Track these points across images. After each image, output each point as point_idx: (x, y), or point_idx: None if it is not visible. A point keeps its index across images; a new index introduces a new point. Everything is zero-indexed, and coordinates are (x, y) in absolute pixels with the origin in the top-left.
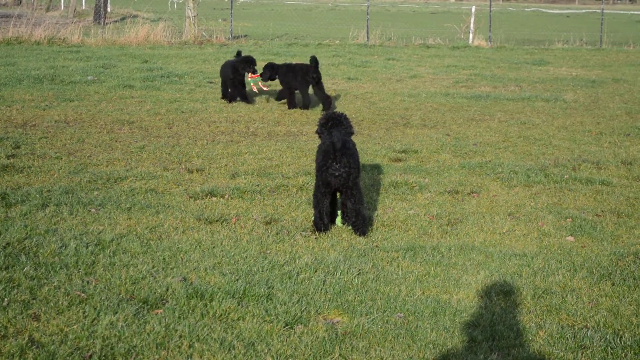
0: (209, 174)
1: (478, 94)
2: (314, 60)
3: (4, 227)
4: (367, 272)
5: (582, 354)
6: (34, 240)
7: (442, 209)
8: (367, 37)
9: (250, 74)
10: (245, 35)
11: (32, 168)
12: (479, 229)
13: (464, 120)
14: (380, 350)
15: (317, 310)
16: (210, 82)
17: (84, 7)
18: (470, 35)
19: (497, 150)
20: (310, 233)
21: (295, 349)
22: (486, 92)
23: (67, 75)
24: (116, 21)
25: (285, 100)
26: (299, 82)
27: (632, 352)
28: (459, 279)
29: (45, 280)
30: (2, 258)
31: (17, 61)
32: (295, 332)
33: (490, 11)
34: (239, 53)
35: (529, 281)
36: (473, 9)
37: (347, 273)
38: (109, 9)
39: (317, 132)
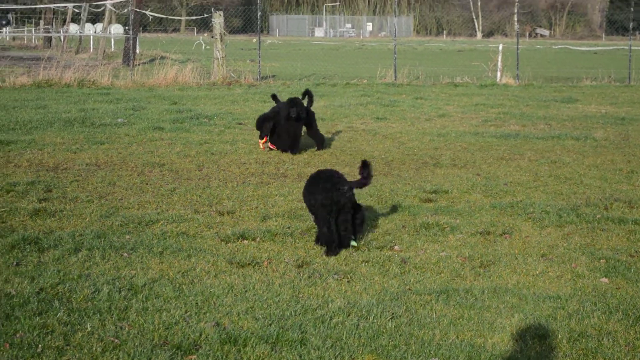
0: (239, 216)
1: (507, 133)
2: (302, 96)
3: (37, 272)
4: (400, 316)
5: None
6: (67, 285)
7: (474, 251)
8: (395, 76)
9: None
10: (273, 76)
11: (64, 212)
12: (512, 271)
13: (494, 159)
14: None
15: (351, 355)
16: (240, 124)
17: (112, 49)
18: (498, 73)
19: (528, 190)
20: (342, 276)
21: None
22: (515, 131)
23: (97, 117)
24: (145, 63)
25: (314, 142)
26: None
27: None
28: (493, 322)
29: (78, 326)
30: (36, 304)
31: (47, 104)
32: None
33: (517, 49)
34: (274, 97)
35: (564, 324)
36: (500, 47)
37: (380, 317)
38: (137, 51)
39: None
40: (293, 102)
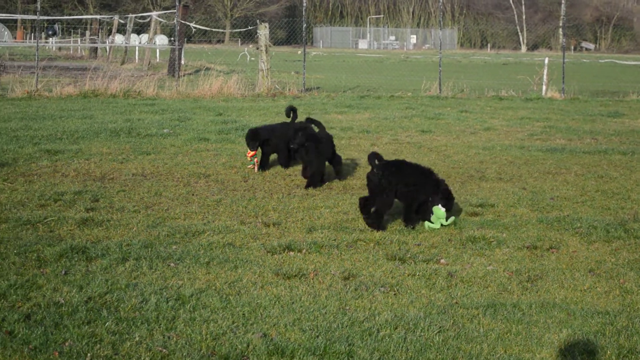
0: (285, 227)
1: (553, 147)
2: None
3: (86, 282)
4: (447, 330)
5: None
6: (115, 294)
7: (521, 265)
8: (440, 89)
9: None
10: (318, 88)
11: (111, 221)
12: (560, 286)
13: (540, 173)
14: None
15: None
16: None
17: (158, 60)
18: (544, 87)
19: (574, 205)
20: (389, 289)
21: None
22: (561, 145)
23: (143, 128)
24: (190, 74)
25: (355, 157)
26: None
27: None
28: (541, 337)
29: (127, 336)
30: (84, 313)
31: (94, 114)
32: None
33: (563, 62)
34: (292, 110)
35: (613, 340)
36: (546, 61)
37: (427, 330)
38: (182, 62)
39: None
40: (298, 130)
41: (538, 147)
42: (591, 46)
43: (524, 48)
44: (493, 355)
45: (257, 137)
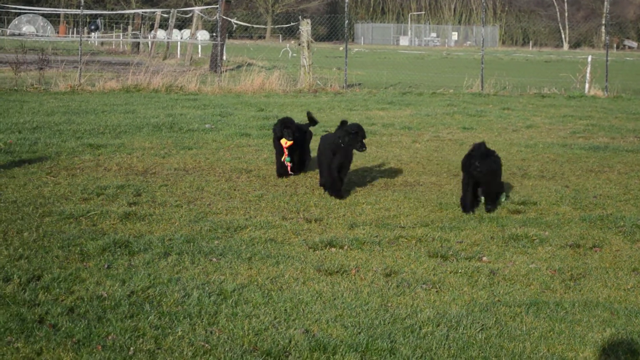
0: (327, 224)
1: (596, 145)
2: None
3: (128, 276)
4: (490, 328)
5: None
6: (158, 289)
7: (564, 263)
8: (482, 86)
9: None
10: (359, 84)
11: (154, 216)
12: (603, 285)
13: (583, 171)
14: None
15: None
16: (326, 131)
17: (200, 55)
18: (587, 85)
19: (618, 203)
20: (431, 286)
21: None
22: (604, 143)
23: (185, 123)
24: (232, 69)
25: (397, 154)
26: None
27: None
28: (585, 336)
29: (169, 330)
30: (127, 306)
31: (136, 109)
32: None
33: (607, 60)
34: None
35: None
36: (589, 58)
37: (470, 328)
38: (224, 57)
39: None
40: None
41: (581, 145)
42: (634, 44)
43: (566, 46)
44: (536, 353)
45: (291, 125)
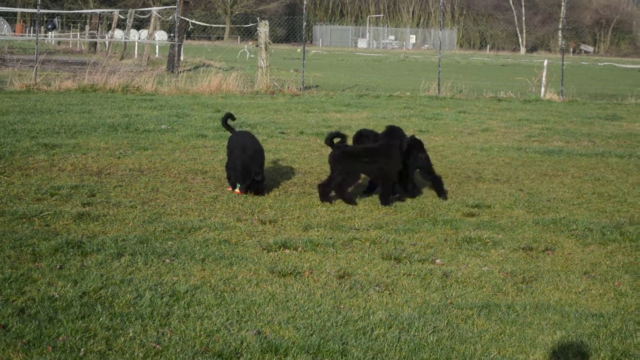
0: (281, 225)
1: (551, 149)
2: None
3: (80, 276)
4: (442, 330)
5: None
6: (110, 290)
7: (516, 266)
8: (439, 89)
9: None
10: (317, 86)
11: (107, 216)
12: (555, 288)
13: (537, 175)
14: None
15: None
16: (282, 133)
17: (157, 56)
18: (542, 89)
19: (571, 207)
20: (384, 288)
21: None
22: (559, 147)
23: (141, 123)
24: (189, 70)
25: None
26: None
27: None
28: (535, 338)
29: (120, 331)
30: (79, 307)
31: (92, 109)
32: None
33: (562, 65)
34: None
35: (607, 343)
36: (545, 63)
37: (421, 330)
38: (182, 58)
39: None
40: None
41: (535, 149)
42: (590, 49)
43: (523, 50)
44: (487, 356)
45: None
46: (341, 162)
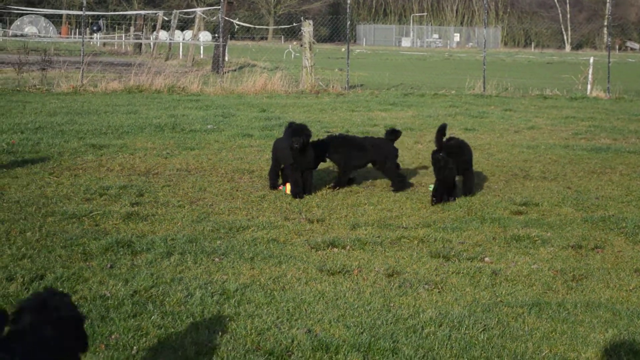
0: (329, 224)
1: (598, 147)
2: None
3: (131, 275)
4: (492, 328)
5: None
6: (161, 288)
7: (566, 264)
8: (484, 88)
9: None
10: (361, 85)
11: (156, 216)
12: (605, 286)
13: (585, 172)
14: None
15: None
16: (328, 132)
17: (202, 56)
18: (589, 86)
19: (620, 204)
20: (433, 287)
21: None
22: (606, 145)
23: (187, 123)
24: (234, 70)
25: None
26: None
27: None
28: (587, 337)
29: (172, 329)
30: (130, 306)
31: (138, 109)
32: None
33: (609, 62)
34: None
35: None
36: (591, 60)
37: (472, 328)
38: (226, 58)
39: None
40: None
41: (583, 147)
42: (636, 46)
43: (568, 47)
44: (538, 354)
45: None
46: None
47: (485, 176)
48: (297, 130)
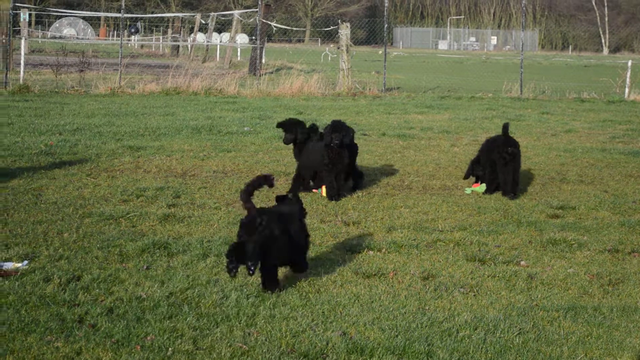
0: (365, 227)
1: (636, 150)
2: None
3: (167, 277)
4: (527, 332)
5: None
6: (196, 290)
7: (602, 268)
8: (521, 90)
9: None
10: (398, 88)
11: (192, 218)
12: None
13: (622, 176)
14: None
15: None
16: (364, 134)
17: (239, 59)
18: (626, 90)
19: None
20: (469, 290)
21: None
22: None
23: (224, 125)
24: (271, 72)
25: (435, 158)
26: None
27: None
28: (622, 341)
29: (207, 331)
30: (166, 307)
31: (175, 111)
32: None
33: None
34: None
35: None
36: (629, 63)
37: (507, 332)
38: (264, 61)
39: None
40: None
41: (620, 150)
42: None
43: (605, 50)
44: (574, 358)
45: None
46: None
47: (522, 179)
48: (337, 127)
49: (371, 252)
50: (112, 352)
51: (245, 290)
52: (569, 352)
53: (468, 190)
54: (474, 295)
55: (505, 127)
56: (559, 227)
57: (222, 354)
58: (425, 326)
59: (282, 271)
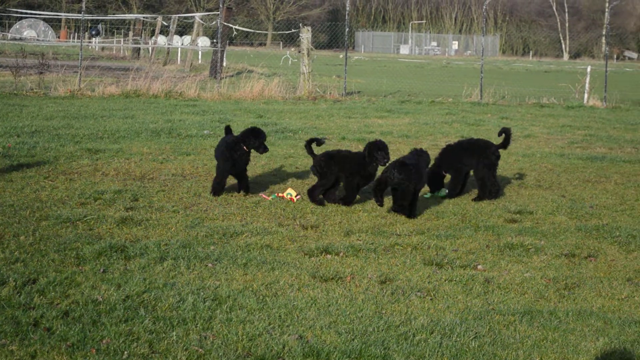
0: (323, 230)
1: (594, 155)
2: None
3: (123, 280)
4: (483, 336)
5: None
6: (153, 293)
7: (558, 273)
8: (481, 96)
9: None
10: (359, 92)
11: (150, 221)
12: (597, 294)
13: (580, 181)
14: None
15: None
16: (325, 139)
17: (200, 62)
18: (585, 95)
19: (614, 213)
20: (425, 294)
21: None
22: (602, 154)
23: (183, 129)
24: (232, 76)
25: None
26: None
27: None
28: (578, 345)
29: (163, 334)
30: (122, 311)
31: (135, 114)
32: None
33: (606, 71)
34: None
35: None
36: (589, 69)
37: (463, 336)
38: (224, 64)
39: None
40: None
41: (578, 155)
42: (634, 55)
43: (566, 56)
44: None
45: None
46: None
47: None
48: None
49: (329, 256)
50: (67, 356)
51: (202, 293)
52: (525, 356)
53: (427, 195)
54: (431, 299)
55: (504, 131)
56: (516, 231)
57: (178, 357)
58: (382, 330)
59: (240, 273)
